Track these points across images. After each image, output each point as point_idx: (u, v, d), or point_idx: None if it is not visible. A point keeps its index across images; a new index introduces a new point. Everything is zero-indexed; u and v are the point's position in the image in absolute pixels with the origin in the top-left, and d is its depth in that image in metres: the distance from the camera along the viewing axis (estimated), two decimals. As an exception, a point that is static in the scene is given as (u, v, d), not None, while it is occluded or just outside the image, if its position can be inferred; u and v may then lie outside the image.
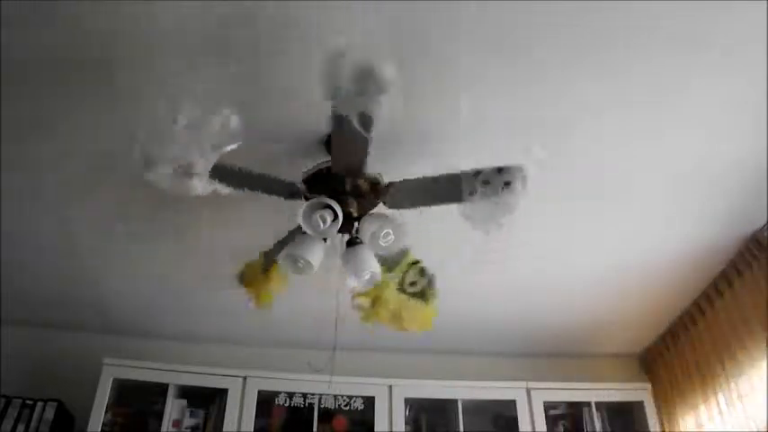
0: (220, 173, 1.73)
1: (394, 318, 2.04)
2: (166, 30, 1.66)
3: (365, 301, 2.03)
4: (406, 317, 2.04)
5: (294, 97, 1.87)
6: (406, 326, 2.06)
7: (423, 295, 2.07)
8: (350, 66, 1.38)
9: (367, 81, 1.39)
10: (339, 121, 1.55)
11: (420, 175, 1.86)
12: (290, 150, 2.02)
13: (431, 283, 2.09)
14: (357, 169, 1.82)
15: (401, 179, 1.90)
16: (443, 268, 2.77)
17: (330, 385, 2.54)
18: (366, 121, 1.51)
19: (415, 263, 2.08)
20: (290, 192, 1.89)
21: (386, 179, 1.92)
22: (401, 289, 2.07)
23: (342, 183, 1.85)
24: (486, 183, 1.81)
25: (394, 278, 2.06)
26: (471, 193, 1.82)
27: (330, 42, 1.39)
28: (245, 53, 1.74)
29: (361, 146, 1.68)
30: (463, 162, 1.80)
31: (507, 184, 1.75)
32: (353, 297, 2.04)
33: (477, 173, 1.76)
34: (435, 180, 1.83)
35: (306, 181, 1.90)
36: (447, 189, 1.82)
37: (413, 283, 2.06)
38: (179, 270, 2.80)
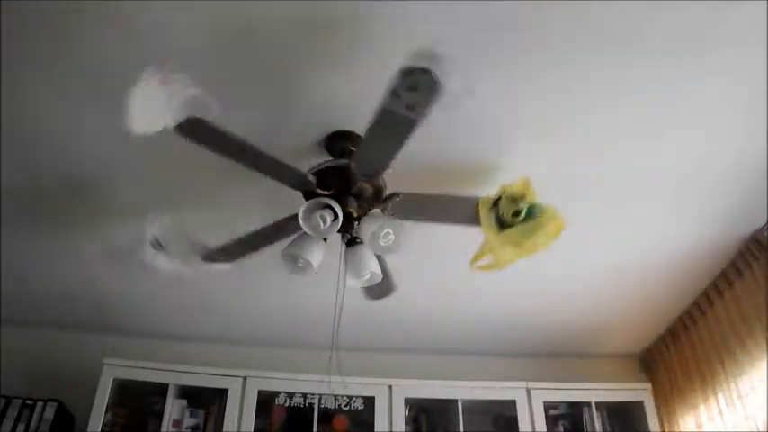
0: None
1: (520, 250, 1.81)
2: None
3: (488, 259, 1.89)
4: (529, 240, 1.79)
5: (294, 98, 1.87)
6: (538, 246, 1.81)
7: (529, 213, 1.77)
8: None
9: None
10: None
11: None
12: (289, 151, 2.01)
13: (527, 197, 1.78)
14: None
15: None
16: (444, 269, 2.76)
17: (336, 385, 2.52)
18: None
19: (498, 199, 1.83)
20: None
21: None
22: (505, 223, 1.79)
23: (351, 181, 1.83)
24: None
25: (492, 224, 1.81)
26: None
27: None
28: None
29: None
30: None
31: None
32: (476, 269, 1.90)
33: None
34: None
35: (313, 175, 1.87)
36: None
37: (515, 213, 1.77)
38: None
